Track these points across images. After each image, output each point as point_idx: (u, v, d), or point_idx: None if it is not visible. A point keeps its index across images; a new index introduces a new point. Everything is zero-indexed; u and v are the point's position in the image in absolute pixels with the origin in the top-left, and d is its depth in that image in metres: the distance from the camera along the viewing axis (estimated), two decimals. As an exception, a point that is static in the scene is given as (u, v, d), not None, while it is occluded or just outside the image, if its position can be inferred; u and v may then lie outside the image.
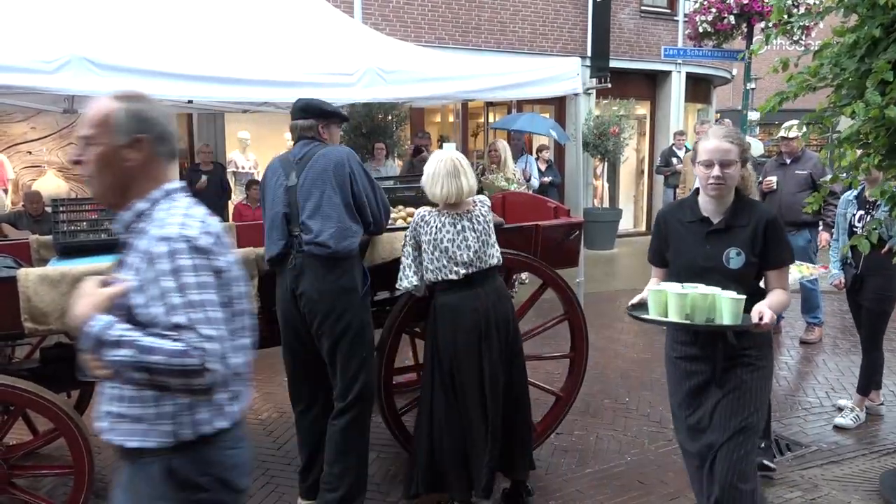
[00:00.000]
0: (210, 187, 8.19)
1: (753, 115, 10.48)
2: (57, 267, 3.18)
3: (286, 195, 3.18)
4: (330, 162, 3.16)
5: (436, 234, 3.21)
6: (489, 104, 11.88)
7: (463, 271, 3.19)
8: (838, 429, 4.49)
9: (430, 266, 3.23)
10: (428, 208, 3.32)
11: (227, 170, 9.33)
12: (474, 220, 3.24)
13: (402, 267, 3.31)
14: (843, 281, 4.57)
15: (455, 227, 3.21)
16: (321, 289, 3.12)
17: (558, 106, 11.83)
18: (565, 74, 5.92)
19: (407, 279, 3.29)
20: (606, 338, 6.55)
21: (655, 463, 4.04)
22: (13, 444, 3.14)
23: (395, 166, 8.91)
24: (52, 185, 8.97)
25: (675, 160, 9.86)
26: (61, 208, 3.73)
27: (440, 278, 3.21)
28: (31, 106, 5.92)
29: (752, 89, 10.68)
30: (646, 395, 5.08)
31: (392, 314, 3.62)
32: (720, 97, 17.15)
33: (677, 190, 8.21)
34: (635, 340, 6.46)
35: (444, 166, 3.22)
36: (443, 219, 3.23)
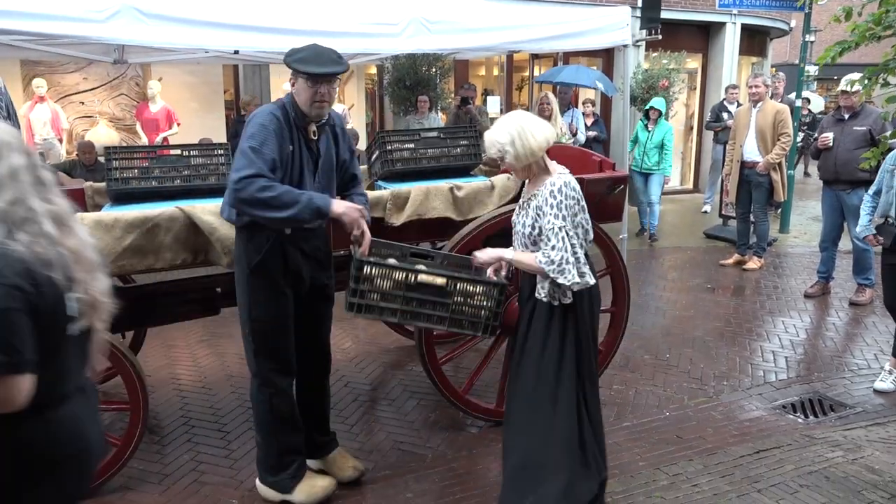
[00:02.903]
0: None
1: (811, 70, 10.06)
2: (110, 212, 3.28)
3: None
4: None
5: (582, 202, 2.82)
6: (535, 57, 11.63)
7: (589, 240, 2.87)
8: (878, 392, 4.41)
9: None
10: (567, 171, 2.86)
11: (272, 122, 9.41)
12: None
13: (566, 257, 2.69)
14: (877, 237, 4.40)
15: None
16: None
17: (606, 59, 11.53)
18: (614, 25, 5.77)
19: (587, 275, 2.76)
20: (648, 294, 6.49)
21: (694, 419, 4.04)
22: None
23: (438, 119, 8.85)
24: (103, 135, 9.18)
25: (725, 115, 9.57)
26: (114, 157, 3.83)
27: None
28: (83, 56, 6.03)
29: (811, 42, 10.20)
30: (687, 352, 5.05)
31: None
32: (776, 50, 16.48)
33: (727, 146, 7.98)
34: (678, 298, 6.39)
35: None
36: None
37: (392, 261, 3.08)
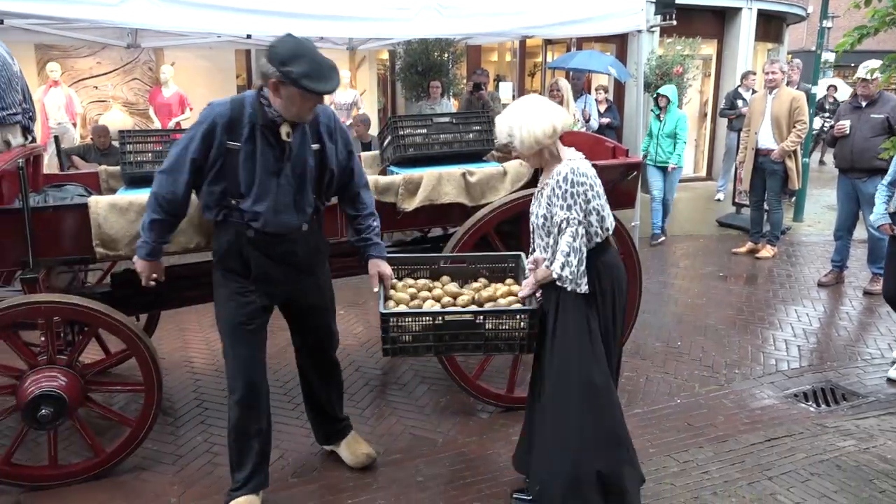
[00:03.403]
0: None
1: (828, 56, 9.93)
2: (125, 196, 3.30)
3: None
4: None
5: (596, 187, 2.75)
6: (548, 42, 11.55)
7: (606, 226, 2.79)
8: (891, 382, 4.39)
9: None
10: (580, 157, 2.78)
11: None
12: None
13: (571, 254, 2.65)
14: (892, 225, 4.35)
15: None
16: None
17: (620, 45, 11.43)
18: (629, 10, 5.72)
19: (580, 277, 2.69)
20: (660, 282, 6.47)
21: (705, 407, 4.04)
22: (88, 363, 3.34)
23: (450, 105, 8.82)
24: (117, 119, 9.21)
25: (740, 102, 9.48)
26: (128, 141, 3.84)
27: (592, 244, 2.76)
28: (97, 40, 6.05)
29: (829, 28, 10.07)
30: (699, 340, 5.04)
31: (447, 248, 3.65)
32: (793, 36, 16.28)
33: (741, 133, 7.91)
34: (690, 286, 6.37)
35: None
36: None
37: (418, 302, 3.03)
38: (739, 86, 9.93)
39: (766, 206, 7.33)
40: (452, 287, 3.18)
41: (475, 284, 3.25)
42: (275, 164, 2.76)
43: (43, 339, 3.10)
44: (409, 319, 2.89)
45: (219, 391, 4.16)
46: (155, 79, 9.54)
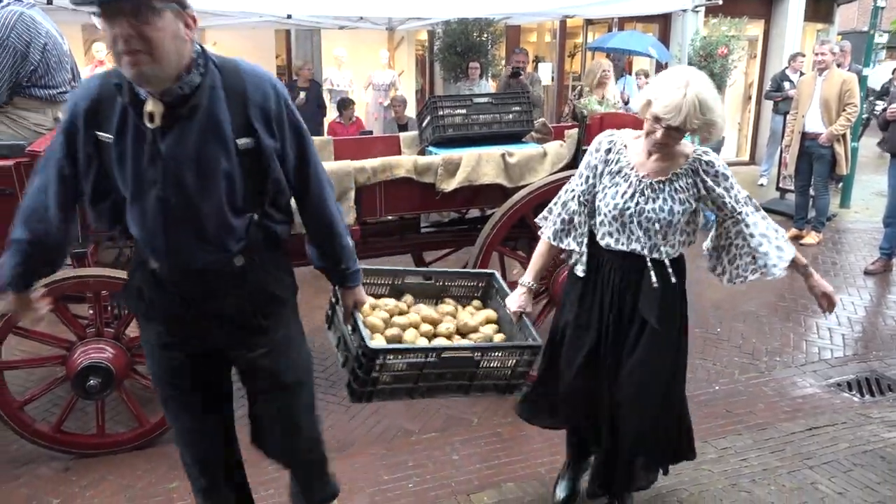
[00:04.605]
0: (307, 104, 8.34)
1: (881, 38, 9.56)
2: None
3: None
4: None
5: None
6: (588, 23, 11.35)
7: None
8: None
9: None
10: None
11: (323, 87, 9.45)
12: None
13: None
14: None
15: None
16: None
17: (663, 24, 11.19)
18: (674, -12, 5.58)
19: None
20: (699, 268, 6.33)
21: (745, 394, 3.98)
22: (133, 336, 3.42)
23: (488, 86, 8.75)
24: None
25: (787, 85, 9.22)
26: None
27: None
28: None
29: (882, 7, 9.69)
30: (738, 327, 4.96)
31: (483, 233, 3.65)
32: (844, 16, 15.75)
33: (788, 117, 7.70)
34: (731, 272, 6.25)
35: None
36: None
37: (397, 331, 2.54)
38: (787, 68, 9.64)
39: (811, 192, 7.14)
40: (430, 312, 2.70)
41: (444, 308, 2.79)
42: (149, 166, 1.80)
43: (91, 311, 3.19)
44: (398, 356, 2.36)
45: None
46: (197, 59, 9.66)
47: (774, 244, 2.44)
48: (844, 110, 6.65)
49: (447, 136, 4.17)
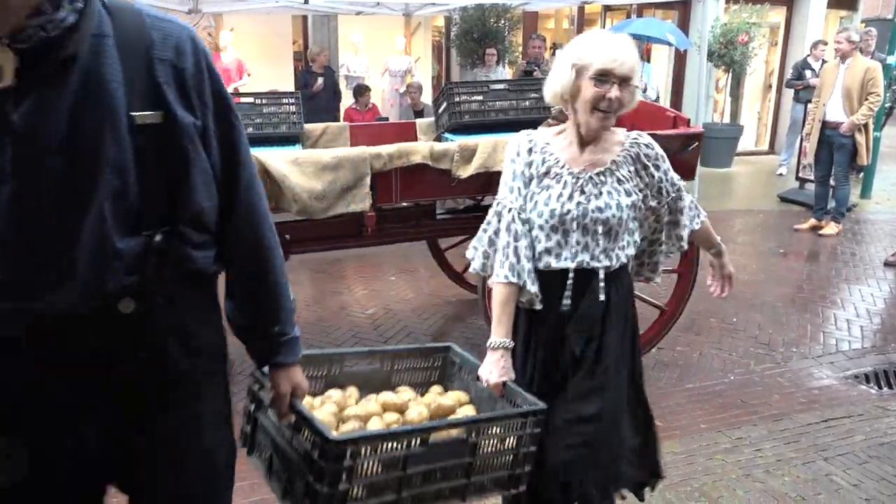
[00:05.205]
0: (324, 90, 8.35)
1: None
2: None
3: None
4: None
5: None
6: (607, 9, 11.25)
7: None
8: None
9: None
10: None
11: (339, 73, 9.45)
12: None
13: None
14: None
15: None
16: None
17: (682, 11, 11.07)
18: (695, -26, 5.50)
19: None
20: (717, 258, 6.32)
21: (760, 384, 3.96)
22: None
23: (505, 73, 8.72)
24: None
25: (808, 73, 9.10)
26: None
27: None
28: (159, 5, 6.16)
29: (908, -6, 9.54)
30: (755, 317, 4.92)
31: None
32: (868, 4, 15.46)
33: (809, 105, 7.60)
34: (748, 261, 6.20)
35: None
36: None
37: (356, 424, 1.82)
38: (808, 55, 9.51)
39: (832, 182, 7.06)
40: (390, 398, 1.96)
41: (404, 395, 2.02)
42: (5, 147, 1.10)
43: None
44: (373, 449, 1.60)
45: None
46: (214, 44, 9.67)
47: (692, 214, 2.26)
48: (867, 99, 6.55)
49: (463, 123, 4.16)
